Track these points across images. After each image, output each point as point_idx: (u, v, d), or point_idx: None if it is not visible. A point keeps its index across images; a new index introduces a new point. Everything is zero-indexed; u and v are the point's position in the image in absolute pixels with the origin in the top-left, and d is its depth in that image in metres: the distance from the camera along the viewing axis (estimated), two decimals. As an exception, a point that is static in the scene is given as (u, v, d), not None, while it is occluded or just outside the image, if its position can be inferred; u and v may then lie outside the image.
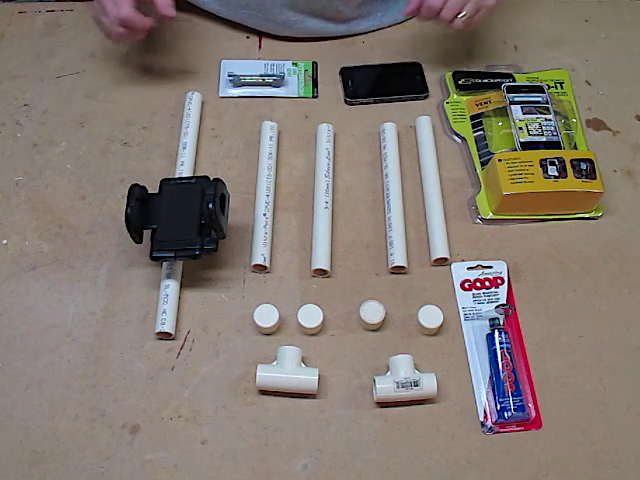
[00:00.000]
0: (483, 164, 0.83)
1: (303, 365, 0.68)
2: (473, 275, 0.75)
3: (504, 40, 0.97)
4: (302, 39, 0.94)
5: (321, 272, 0.74)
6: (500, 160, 0.77)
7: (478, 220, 0.79)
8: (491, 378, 0.68)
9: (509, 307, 0.72)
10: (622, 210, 0.81)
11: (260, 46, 0.95)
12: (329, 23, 0.93)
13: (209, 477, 0.63)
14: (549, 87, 0.87)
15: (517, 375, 0.68)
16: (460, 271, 0.75)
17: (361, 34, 0.96)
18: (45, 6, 0.98)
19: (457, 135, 0.86)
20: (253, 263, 0.74)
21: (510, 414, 0.66)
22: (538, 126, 0.82)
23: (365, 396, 0.68)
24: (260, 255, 0.74)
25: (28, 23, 0.96)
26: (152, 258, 0.69)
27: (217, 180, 0.70)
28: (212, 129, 0.86)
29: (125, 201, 0.69)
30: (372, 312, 0.70)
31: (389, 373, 0.67)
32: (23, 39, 0.94)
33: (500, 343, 0.69)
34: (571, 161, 0.77)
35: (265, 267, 0.74)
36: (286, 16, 0.90)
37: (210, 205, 0.67)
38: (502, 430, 0.66)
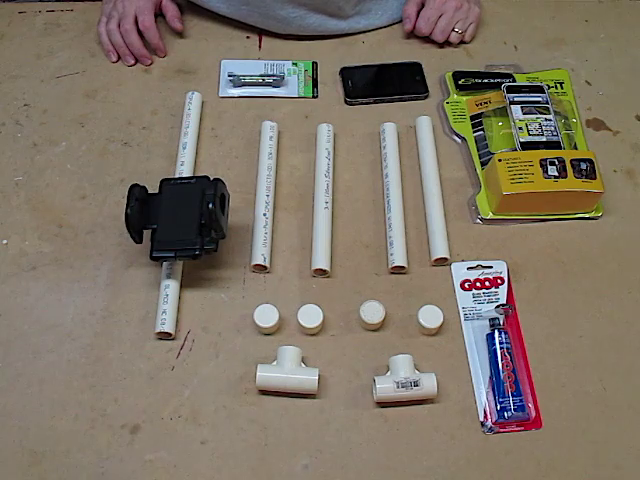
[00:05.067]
0: (483, 164, 0.83)
1: (303, 365, 0.68)
2: (473, 275, 0.75)
3: (504, 40, 0.97)
4: (302, 37, 0.94)
5: (321, 272, 0.74)
6: (500, 160, 0.77)
7: (478, 220, 0.79)
8: (491, 378, 0.68)
9: (509, 307, 0.72)
10: (622, 210, 0.81)
11: (260, 46, 0.95)
12: (330, 19, 0.93)
13: (209, 477, 0.63)
14: (549, 87, 0.87)
15: (517, 375, 0.68)
16: (460, 271, 0.75)
17: (361, 32, 0.96)
18: (45, 6, 0.98)
19: (457, 135, 0.86)
20: (253, 263, 0.74)
21: (510, 414, 0.66)
22: (538, 126, 0.82)
23: (365, 396, 0.68)
24: (260, 255, 0.74)
25: (28, 23, 0.96)
26: (152, 258, 0.69)
27: (217, 180, 0.70)
28: (212, 129, 0.86)
29: (125, 201, 0.69)
30: (372, 312, 0.70)
31: (389, 373, 0.67)
32: (23, 39, 0.94)
33: (500, 343, 0.69)
34: (571, 161, 0.77)
35: (265, 267, 0.74)
36: (287, 12, 0.90)
37: (210, 205, 0.67)
38: (502, 430, 0.66)
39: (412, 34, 0.95)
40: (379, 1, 0.95)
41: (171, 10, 0.92)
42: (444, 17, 0.91)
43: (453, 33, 0.93)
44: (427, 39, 0.95)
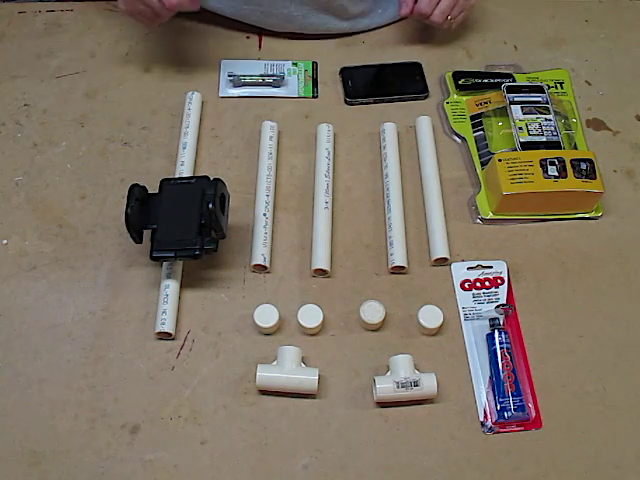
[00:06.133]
0: (483, 164, 0.83)
1: (303, 365, 0.68)
2: (473, 275, 0.75)
3: (504, 40, 0.97)
4: (303, 37, 0.94)
5: (321, 272, 0.74)
6: (500, 160, 0.77)
7: (478, 220, 0.79)
8: (491, 378, 0.68)
9: (509, 307, 0.72)
10: (622, 210, 0.81)
11: (260, 46, 0.95)
12: (332, 19, 0.93)
13: (209, 477, 0.63)
14: (549, 87, 0.87)
15: (517, 375, 0.68)
16: (460, 271, 0.75)
17: (362, 32, 0.96)
18: (45, 6, 0.98)
19: (457, 135, 0.86)
20: (253, 263, 0.74)
21: (510, 414, 0.66)
22: (538, 126, 0.82)
23: (365, 396, 0.68)
24: (260, 255, 0.74)
25: (28, 23, 0.96)
26: (152, 258, 0.69)
27: (217, 180, 0.70)
28: (212, 129, 0.86)
29: (125, 201, 0.69)
30: (372, 312, 0.70)
31: (389, 373, 0.67)
32: (23, 39, 0.94)
33: (500, 343, 0.69)
34: (571, 161, 0.77)
35: (265, 267, 0.74)
36: (289, 10, 0.90)
37: (210, 205, 0.67)
38: (502, 430, 0.66)
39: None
40: (380, 0, 0.95)
41: None
42: None
43: (445, 21, 0.89)
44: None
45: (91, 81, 0.90)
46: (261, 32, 0.95)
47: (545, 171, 0.76)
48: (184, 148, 0.82)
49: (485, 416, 0.67)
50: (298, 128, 0.87)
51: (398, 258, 0.74)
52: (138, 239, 0.71)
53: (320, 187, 0.79)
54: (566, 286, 0.75)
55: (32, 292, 0.73)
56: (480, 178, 0.82)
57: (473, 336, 0.71)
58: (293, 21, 0.92)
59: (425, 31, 0.96)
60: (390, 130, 0.84)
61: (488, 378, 0.69)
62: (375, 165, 0.84)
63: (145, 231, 0.71)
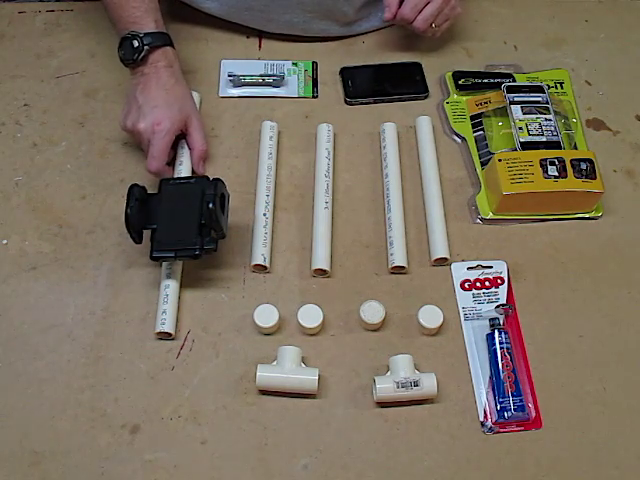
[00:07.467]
0: (483, 164, 0.83)
1: (303, 365, 0.68)
2: (473, 275, 0.75)
3: (504, 40, 0.97)
4: (303, 39, 0.95)
5: (321, 272, 0.74)
6: (500, 160, 0.77)
7: (478, 220, 0.79)
8: (491, 378, 0.68)
9: (509, 307, 0.72)
10: (622, 210, 0.81)
11: (260, 46, 0.95)
12: (332, 25, 0.93)
13: (209, 477, 0.63)
14: (549, 87, 0.87)
15: (517, 375, 0.68)
16: (460, 271, 0.75)
17: (362, 34, 0.96)
18: (45, 6, 0.98)
19: (457, 135, 0.86)
20: (253, 263, 0.74)
21: (510, 414, 0.66)
22: (538, 126, 0.82)
23: (365, 396, 0.68)
24: (260, 255, 0.74)
25: (28, 23, 0.96)
26: (152, 258, 0.69)
27: (217, 180, 0.70)
28: (212, 129, 0.86)
29: (125, 201, 0.69)
30: (372, 312, 0.70)
31: (389, 373, 0.67)
32: (23, 39, 0.94)
33: (500, 343, 0.69)
34: (571, 161, 0.77)
35: (265, 267, 0.74)
36: (290, 17, 0.90)
37: (210, 205, 0.67)
38: (502, 430, 0.66)
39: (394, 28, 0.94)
40: (380, 4, 0.95)
41: (197, 146, 0.81)
42: (430, 6, 0.87)
43: (429, 28, 0.89)
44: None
45: (91, 81, 0.90)
46: (261, 33, 0.95)
47: (545, 171, 0.76)
48: (183, 148, 0.82)
49: (485, 416, 0.67)
50: (298, 128, 0.87)
51: (398, 258, 0.74)
52: (138, 239, 0.71)
53: (320, 187, 0.79)
54: (566, 286, 0.75)
55: (32, 292, 0.73)
56: (480, 178, 0.82)
57: (473, 336, 0.71)
58: (294, 27, 0.92)
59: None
60: (390, 130, 0.84)
61: (488, 378, 0.69)
62: (375, 165, 0.84)
63: (145, 231, 0.71)
